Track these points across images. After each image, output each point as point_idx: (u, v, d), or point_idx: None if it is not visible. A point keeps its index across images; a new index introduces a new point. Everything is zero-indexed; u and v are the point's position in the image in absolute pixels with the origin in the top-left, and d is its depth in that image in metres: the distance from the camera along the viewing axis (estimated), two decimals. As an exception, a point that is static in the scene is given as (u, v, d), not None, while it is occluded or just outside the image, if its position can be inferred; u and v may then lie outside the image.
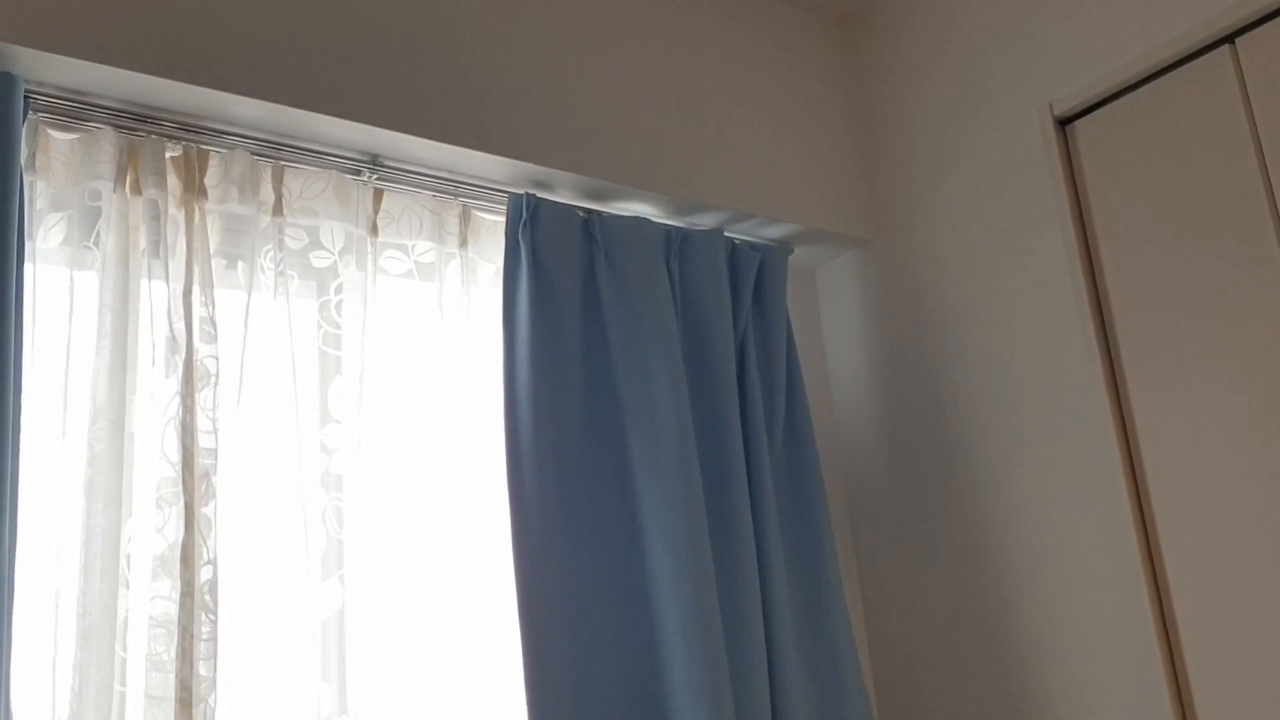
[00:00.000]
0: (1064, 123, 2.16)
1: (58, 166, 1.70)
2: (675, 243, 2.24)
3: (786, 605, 2.16)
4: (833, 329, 2.67)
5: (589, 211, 2.19)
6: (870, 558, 2.51)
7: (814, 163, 2.53)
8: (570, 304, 2.08)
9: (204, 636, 1.61)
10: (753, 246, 2.39)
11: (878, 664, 2.46)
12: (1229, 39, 1.90)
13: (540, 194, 2.18)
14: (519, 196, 2.05)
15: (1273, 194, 1.82)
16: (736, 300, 2.34)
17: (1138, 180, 2.02)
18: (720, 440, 2.17)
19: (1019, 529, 2.18)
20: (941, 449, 2.36)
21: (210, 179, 1.80)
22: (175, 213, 1.75)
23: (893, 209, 2.54)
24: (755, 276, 2.39)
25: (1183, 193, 1.94)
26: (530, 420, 1.96)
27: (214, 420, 1.70)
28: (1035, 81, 2.22)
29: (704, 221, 2.39)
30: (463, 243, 2.08)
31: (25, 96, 1.62)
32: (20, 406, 1.54)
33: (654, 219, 2.31)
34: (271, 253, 1.85)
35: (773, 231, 2.47)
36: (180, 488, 1.64)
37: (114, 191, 1.71)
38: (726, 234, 2.41)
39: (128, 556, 1.61)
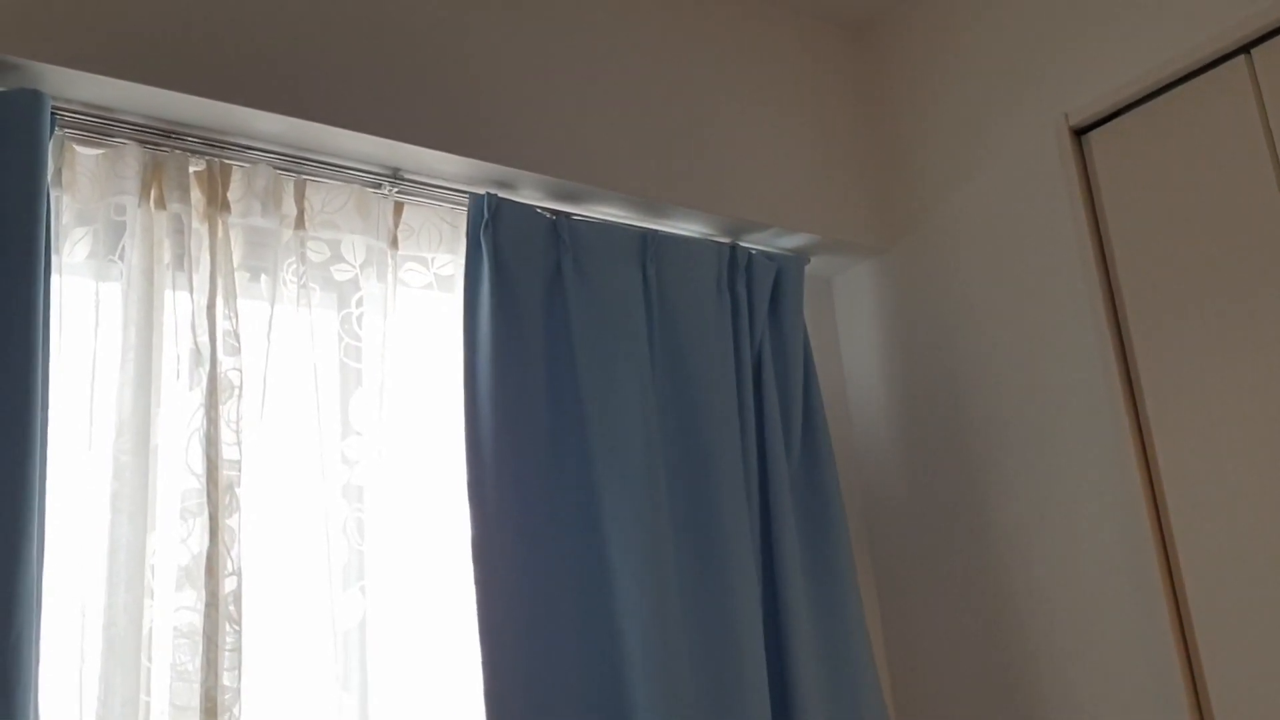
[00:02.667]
0: (1079, 133, 2.16)
1: (83, 181, 1.72)
2: (651, 247, 2.20)
3: (804, 620, 2.15)
4: (849, 338, 2.67)
5: (556, 213, 2.15)
6: (889, 570, 2.51)
7: (829, 172, 2.54)
8: (534, 308, 2.03)
9: (228, 647, 1.62)
10: (768, 256, 2.40)
11: (897, 679, 2.46)
12: (1245, 49, 1.91)
13: (565, 206, 2.19)
14: (480, 196, 2.01)
15: (1290, 204, 1.83)
16: (752, 310, 2.33)
17: (1153, 190, 2.02)
18: (707, 453, 2.12)
19: (1038, 541, 2.18)
20: (959, 458, 2.37)
21: (233, 193, 1.82)
22: (199, 226, 1.77)
23: (908, 218, 2.55)
24: (772, 286, 2.39)
25: (1198, 203, 1.95)
26: (491, 430, 1.90)
27: (238, 432, 1.71)
28: (1051, 92, 2.23)
29: (716, 232, 2.40)
30: (481, 255, 2.09)
31: (52, 113, 1.64)
32: (47, 419, 1.55)
33: (634, 224, 2.30)
34: (294, 266, 1.86)
35: (789, 241, 2.47)
36: (204, 499, 1.65)
37: (139, 206, 1.72)
38: (742, 244, 2.42)
39: (153, 568, 1.63)
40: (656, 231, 2.23)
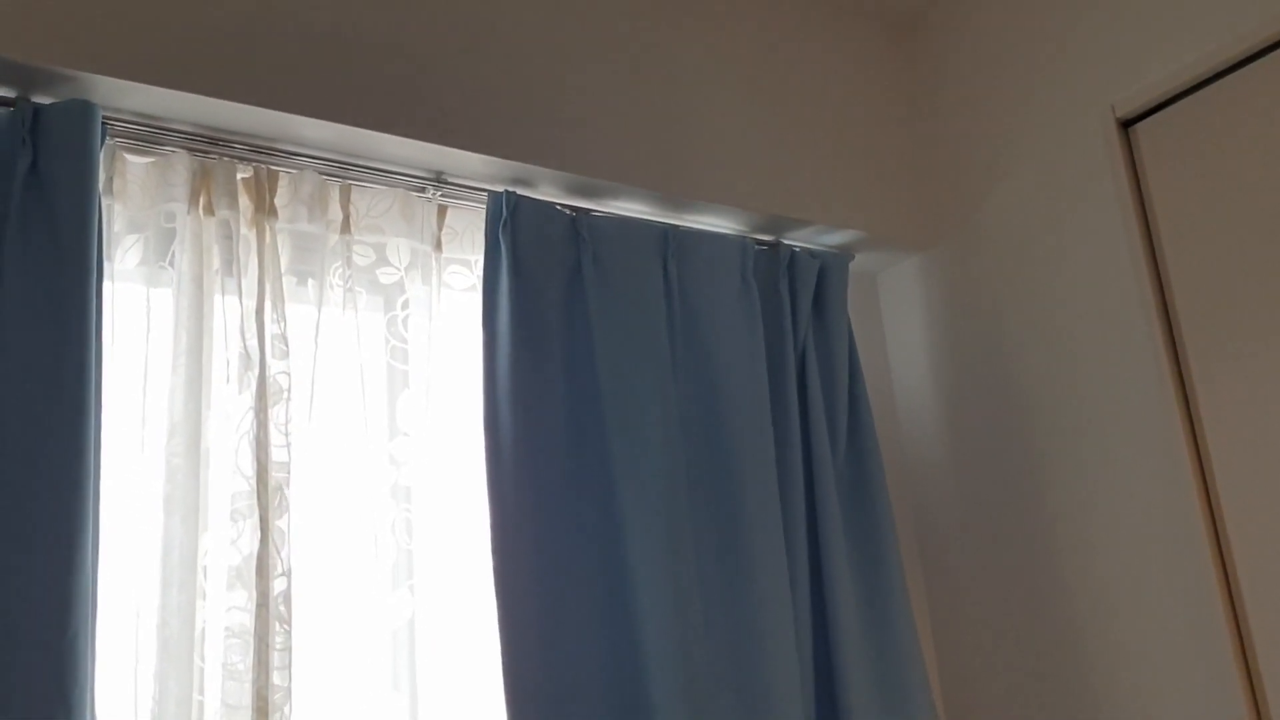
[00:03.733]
0: (1127, 124, 2.14)
1: (134, 189, 1.75)
2: (672, 243, 2.18)
3: (852, 616, 2.14)
4: (895, 335, 2.66)
5: (576, 210, 2.12)
6: (937, 568, 2.49)
7: (873, 168, 2.53)
8: (554, 306, 2.02)
9: (279, 646, 1.64)
10: (812, 254, 2.39)
11: (945, 676, 2.44)
12: (1296, 36, 1.88)
13: (602, 206, 2.20)
14: (498, 194, 2.00)
15: (1345, 192, 1.79)
16: (795, 308, 2.32)
17: (1202, 182, 1.99)
18: (732, 452, 2.10)
19: (1088, 537, 2.16)
20: (1007, 454, 2.34)
21: (280, 199, 1.84)
22: (247, 232, 1.80)
23: (955, 213, 2.53)
24: (815, 283, 2.38)
25: (1249, 195, 1.92)
26: (511, 429, 1.90)
27: (286, 434, 1.73)
28: (1097, 83, 2.21)
29: (757, 229, 2.39)
30: (524, 257, 2.10)
31: (103, 123, 1.67)
32: (100, 422, 1.58)
33: (656, 220, 2.29)
34: (340, 270, 1.88)
35: (833, 238, 2.46)
36: (255, 501, 1.67)
37: (188, 213, 1.75)
38: (785, 241, 2.41)
39: (204, 568, 1.65)
40: (677, 227, 2.21)
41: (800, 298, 2.34)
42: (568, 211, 2.11)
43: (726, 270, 2.25)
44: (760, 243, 2.37)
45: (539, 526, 1.89)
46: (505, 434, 1.90)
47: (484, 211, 2.08)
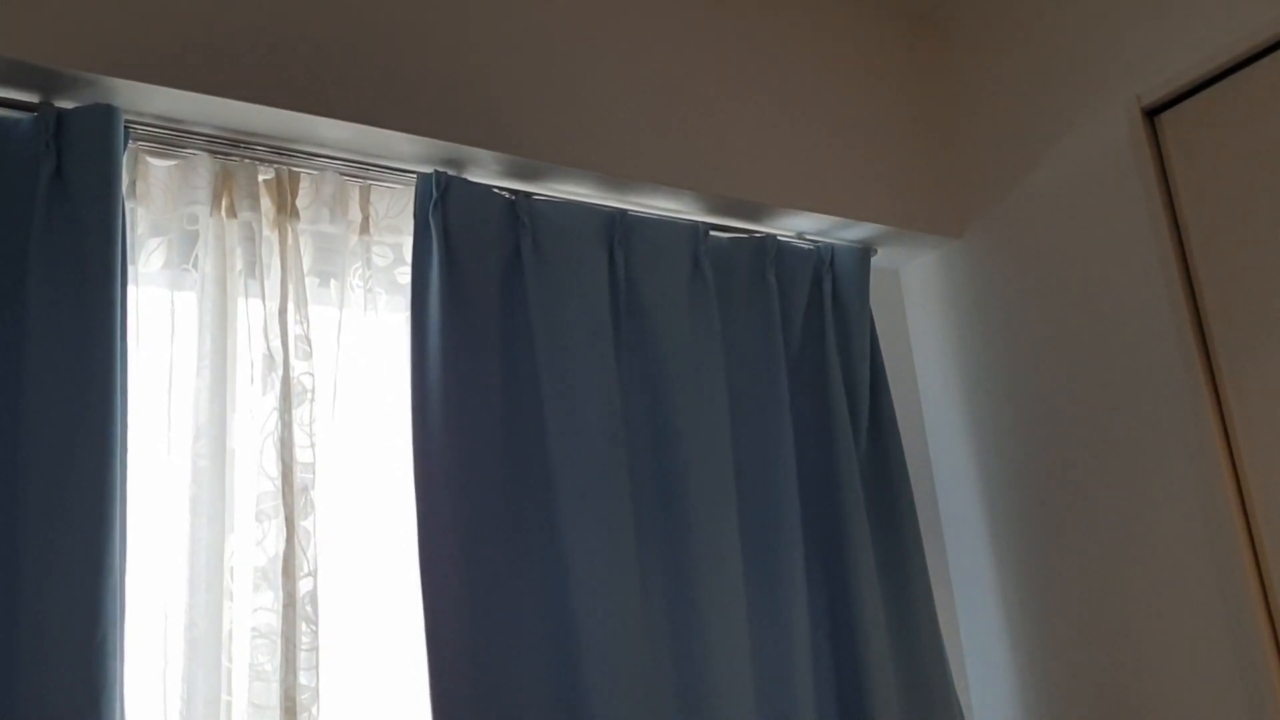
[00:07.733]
0: (1152, 114, 2.11)
1: (157, 193, 1.75)
2: (619, 229, 2.06)
3: (877, 617, 2.11)
4: (919, 330, 2.64)
5: (515, 193, 2.00)
6: (963, 569, 2.47)
7: (896, 162, 2.51)
8: (489, 294, 1.90)
9: (305, 647, 1.65)
10: (814, 245, 2.36)
11: (973, 678, 2.42)
12: (1324, 22, 1.86)
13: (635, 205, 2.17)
14: (427, 175, 1.89)
15: (1375, 179, 1.77)
16: (786, 301, 2.28)
17: (1230, 172, 1.97)
18: (681, 450, 2.00)
19: (1118, 535, 2.14)
20: (1035, 453, 2.32)
21: (302, 200, 1.85)
22: (269, 234, 1.80)
23: (978, 206, 2.51)
24: (813, 276, 2.33)
25: (1275, 183, 1.89)
26: (441, 427, 1.79)
27: (311, 435, 1.74)
28: (1122, 72, 2.18)
29: (793, 224, 2.38)
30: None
31: (125, 126, 1.67)
32: (127, 425, 1.59)
33: (604, 204, 2.20)
34: (360, 270, 1.89)
35: (856, 232, 2.44)
36: (280, 501, 1.68)
37: (210, 215, 1.76)
38: (809, 237, 2.40)
39: (231, 569, 1.66)
40: (625, 212, 2.10)
41: (793, 290, 2.29)
42: (507, 194, 2.00)
43: (677, 257, 2.13)
44: (747, 232, 2.31)
45: (471, 534, 1.79)
46: (435, 434, 1.79)
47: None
